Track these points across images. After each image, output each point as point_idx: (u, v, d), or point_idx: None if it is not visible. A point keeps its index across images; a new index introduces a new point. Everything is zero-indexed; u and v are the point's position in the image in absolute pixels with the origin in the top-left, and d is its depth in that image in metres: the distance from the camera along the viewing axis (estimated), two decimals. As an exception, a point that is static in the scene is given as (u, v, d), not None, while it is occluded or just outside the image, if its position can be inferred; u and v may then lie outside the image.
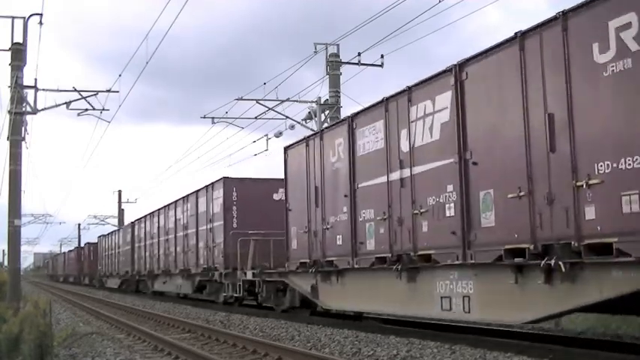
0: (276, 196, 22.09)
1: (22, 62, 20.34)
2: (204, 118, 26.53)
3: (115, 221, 64.69)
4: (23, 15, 19.96)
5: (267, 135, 26.13)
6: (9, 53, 20.35)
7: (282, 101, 24.67)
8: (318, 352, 10.54)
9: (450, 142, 10.58)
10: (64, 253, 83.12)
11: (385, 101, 12.43)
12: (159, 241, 31.11)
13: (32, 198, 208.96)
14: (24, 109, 20.73)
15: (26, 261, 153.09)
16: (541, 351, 9.39)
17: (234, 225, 21.70)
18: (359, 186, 13.30)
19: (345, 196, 13.72)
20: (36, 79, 22.37)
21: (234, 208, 21.83)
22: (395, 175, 12.08)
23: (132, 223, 38.24)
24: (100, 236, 52.60)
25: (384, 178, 12.39)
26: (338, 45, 23.50)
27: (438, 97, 10.94)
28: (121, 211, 64.59)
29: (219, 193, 22.32)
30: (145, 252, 34.19)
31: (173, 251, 28.32)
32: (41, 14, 19.57)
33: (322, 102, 23.88)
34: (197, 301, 26.52)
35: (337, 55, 23.52)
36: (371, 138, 12.92)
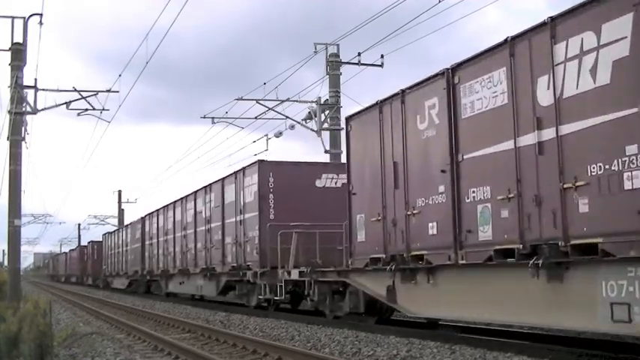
0: (319, 183, 19.06)
1: (22, 62, 20.34)
2: (204, 118, 26.53)
3: (115, 221, 64.56)
4: (23, 15, 20.11)
5: (267, 135, 26.03)
6: (9, 53, 20.38)
7: (282, 101, 24.54)
8: (318, 352, 10.39)
9: (633, 84, 7.51)
10: (66, 252, 79.99)
11: (510, 42, 9.35)
12: (175, 237, 27.95)
13: (32, 198, 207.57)
14: (24, 109, 20.72)
15: (26, 261, 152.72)
16: (541, 351, 9.12)
17: (271, 216, 18.57)
18: (465, 157, 10.22)
19: (443, 171, 10.64)
20: (36, 79, 22.43)
21: (271, 196, 18.69)
22: (527, 139, 9.01)
23: (142, 218, 35.08)
24: (105, 234, 49.54)
25: (508, 144, 9.32)
26: (338, 45, 23.41)
27: (607, 25, 7.85)
28: (121, 211, 64.36)
29: (252, 180, 19.18)
30: (158, 249, 31.05)
31: (192, 248, 25.15)
32: (41, 14, 19.68)
33: (322, 102, 23.69)
34: (223, 304, 23.48)
35: (337, 55, 23.36)
36: (485, 93, 9.83)
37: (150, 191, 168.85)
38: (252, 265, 18.99)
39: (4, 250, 60.35)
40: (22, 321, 9.80)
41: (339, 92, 23.73)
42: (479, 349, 9.74)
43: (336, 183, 19.08)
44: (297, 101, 24.61)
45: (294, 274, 16.08)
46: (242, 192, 19.95)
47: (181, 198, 27.14)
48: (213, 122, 26.53)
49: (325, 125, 23.97)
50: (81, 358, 10.65)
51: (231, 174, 21.09)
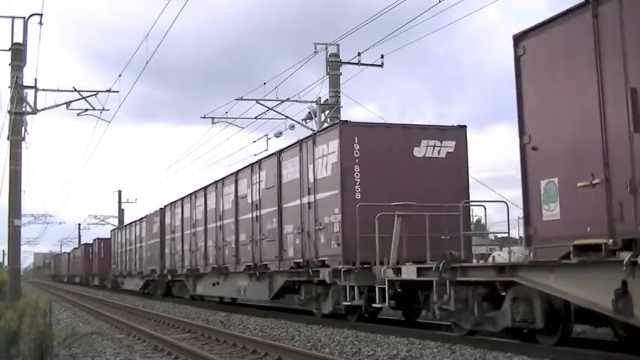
0: (417, 152, 14.52)
1: (22, 62, 20.45)
2: (204, 118, 26.57)
3: (115, 221, 63.61)
4: (23, 15, 20.26)
5: (267, 135, 25.98)
6: (9, 53, 20.52)
7: (282, 101, 24.59)
8: (318, 352, 10.21)
9: None
10: (69, 252, 75.45)
11: None
12: (206, 228, 23.33)
13: (32, 198, 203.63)
14: (24, 109, 20.86)
15: (26, 261, 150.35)
16: (541, 351, 8.90)
17: (357, 195, 13.97)
18: None
19: None
20: (36, 79, 22.92)
21: (357, 168, 14.09)
22: None
23: (161, 209, 30.47)
24: (113, 229, 45.07)
25: None
26: (338, 45, 23.37)
27: None
28: (121, 211, 63.67)
29: (329, 148, 14.55)
30: (183, 245, 26.48)
31: (232, 241, 20.52)
32: (41, 14, 19.83)
33: (322, 102, 23.63)
34: (277, 311, 18.93)
35: (337, 55, 23.34)
36: None
37: (150, 191, 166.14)
38: (330, 260, 14.38)
39: (4, 250, 59.65)
40: (22, 316, 9.77)
41: (339, 92, 23.51)
42: (479, 349, 9.59)
43: (439, 152, 14.58)
44: (297, 101, 24.45)
45: (409, 272, 11.46)
46: (311, 166, 15.32)
47: (215, 182, 22.57)
48: (213, 122, 26.51)
49: (325, 125, 22.80)
50: (81, 358, 10.61)
51: (293, 143, 16.45)
